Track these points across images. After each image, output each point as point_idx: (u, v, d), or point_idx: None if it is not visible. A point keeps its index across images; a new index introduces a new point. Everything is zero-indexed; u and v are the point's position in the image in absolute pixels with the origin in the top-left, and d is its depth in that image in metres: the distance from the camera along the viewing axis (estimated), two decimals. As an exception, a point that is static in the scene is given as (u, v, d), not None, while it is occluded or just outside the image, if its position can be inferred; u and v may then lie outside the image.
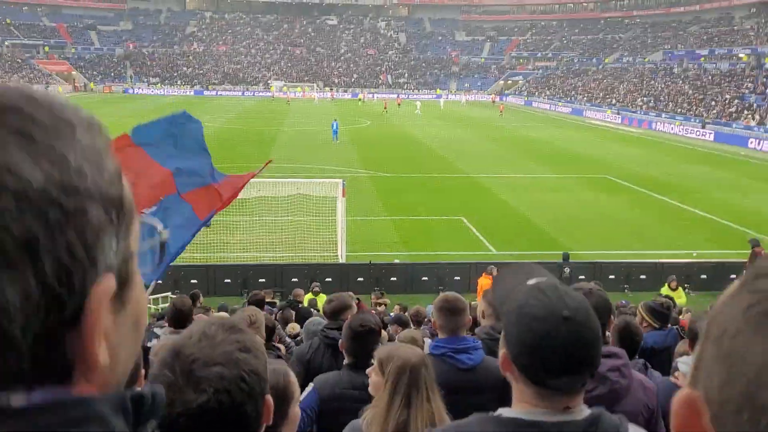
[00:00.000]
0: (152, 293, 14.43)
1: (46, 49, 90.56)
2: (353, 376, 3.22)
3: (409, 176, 28.82)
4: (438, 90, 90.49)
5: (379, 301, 12.05)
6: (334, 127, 40.13)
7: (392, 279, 15.60)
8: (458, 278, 15.34)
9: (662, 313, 5.46)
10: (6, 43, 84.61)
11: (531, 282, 1.45)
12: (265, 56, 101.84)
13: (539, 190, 26.57)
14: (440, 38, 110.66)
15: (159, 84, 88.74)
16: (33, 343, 0.52)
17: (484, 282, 12.42)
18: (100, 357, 0.56)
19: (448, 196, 24.88)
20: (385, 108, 64.00)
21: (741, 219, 21.95)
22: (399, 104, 67.06)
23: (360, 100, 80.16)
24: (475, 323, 4.60)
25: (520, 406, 1.45)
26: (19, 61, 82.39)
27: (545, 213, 22.58)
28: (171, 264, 5.65)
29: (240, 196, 18.98)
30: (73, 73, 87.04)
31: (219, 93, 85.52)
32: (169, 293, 14.64)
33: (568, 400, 1.41)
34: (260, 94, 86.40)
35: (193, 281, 14.54)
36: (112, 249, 0.56)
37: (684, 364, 3.61)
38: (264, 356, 1.32)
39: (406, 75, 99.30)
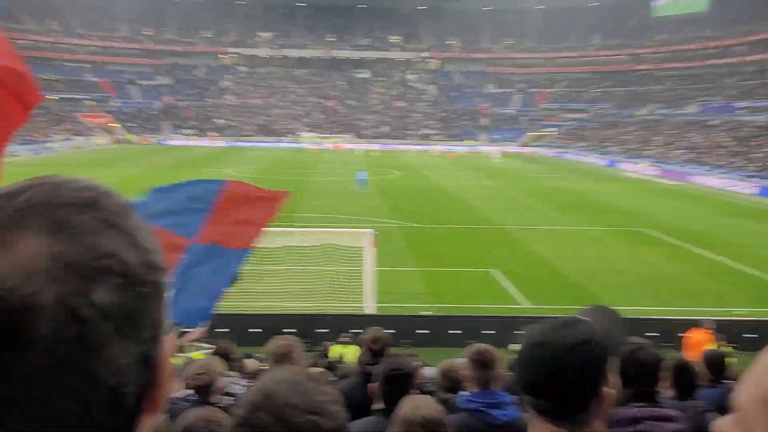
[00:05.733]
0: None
1: (90, 102, 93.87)
2: (385, 423, 2.98)
3: (438, 227, 28.43)
4: (468, 141, 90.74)
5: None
6: (363, 176, 41.28)
7: (420, 331, 15.03)
8: (490, 332, 14.69)
9: (716, 363, 5.26)
10: (51, 97, 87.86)
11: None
12: (296, 108, 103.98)
13: (574, 242, 25.88)
14: (469, 90, 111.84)
15: (193, 135, 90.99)
16: (135, 402, 0.59)
17: (699, 337, 10.44)
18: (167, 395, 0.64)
19: (478, 248, 24.36)
20: (453, 158, 67.21)
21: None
22: (455, 158, 67.57)
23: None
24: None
25: None
26: (61, 114, 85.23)
27: (581, 265, 21.87)
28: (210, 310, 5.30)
29: (267, 245, 18.45)
30: (113, 125, 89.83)
31: (250, 144, 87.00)
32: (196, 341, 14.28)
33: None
34: (291, 144, 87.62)
35: (223, 330, 14.16)
36: None
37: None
38: None
39: (438, 126, 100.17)
